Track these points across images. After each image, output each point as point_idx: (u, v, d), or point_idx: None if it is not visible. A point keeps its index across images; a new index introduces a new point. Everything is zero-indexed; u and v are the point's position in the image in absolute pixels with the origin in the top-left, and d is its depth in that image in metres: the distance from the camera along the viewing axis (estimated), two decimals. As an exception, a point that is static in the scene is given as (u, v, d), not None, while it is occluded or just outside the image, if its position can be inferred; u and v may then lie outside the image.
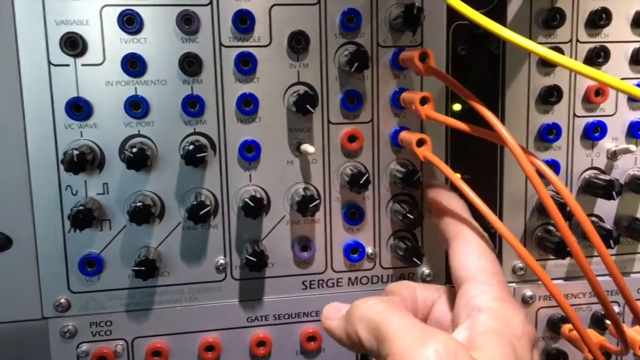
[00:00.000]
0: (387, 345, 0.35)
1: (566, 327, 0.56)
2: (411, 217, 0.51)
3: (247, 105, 0.51)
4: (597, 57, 0.55)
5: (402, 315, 0.37)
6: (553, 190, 0.49)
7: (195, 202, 0.49)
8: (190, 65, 0.49)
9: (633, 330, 0.51)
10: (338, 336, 0.42)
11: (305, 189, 0.52)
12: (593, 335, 0.54)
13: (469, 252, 0.43)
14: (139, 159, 0.47)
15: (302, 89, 0.51)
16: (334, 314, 0.43)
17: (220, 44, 0.50)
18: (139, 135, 0.50)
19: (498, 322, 0.37)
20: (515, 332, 0.36)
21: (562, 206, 0.48)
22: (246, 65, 0.50)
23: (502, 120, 0.55)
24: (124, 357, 0.53)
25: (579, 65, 0.38)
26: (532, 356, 0.37)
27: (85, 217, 0.47)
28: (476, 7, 0.52)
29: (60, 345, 0.52)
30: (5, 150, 0.49)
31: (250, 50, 0.50)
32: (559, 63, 0.38)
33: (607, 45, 0.55)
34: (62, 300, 0.51)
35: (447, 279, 0.56)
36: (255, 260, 0.50)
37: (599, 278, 0.41)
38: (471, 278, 0.40)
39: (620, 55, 0.56)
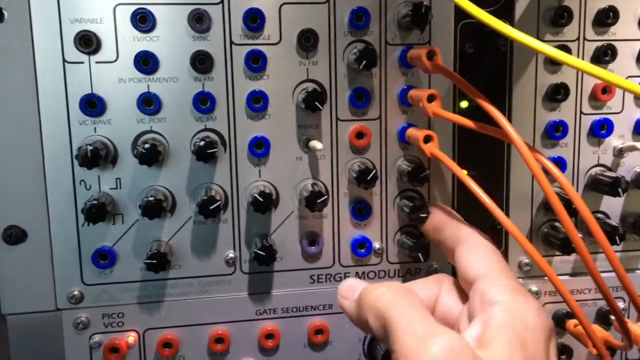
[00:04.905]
0: (393, 340, 0.36)
1: (571, 323, 0.57)
2: (419, 212, 0.52)
3: (257, 102, 0.52)
4: (604, 55, 0.55)
5: (409, 308, 0.37)
6: (559, 187, 0.49)
7: (205, 197, 0.50)
8: (201, 62, 0.50)
9: (637, 326, 0.52)
10: (350, 317, 0.43)
11: (313, 184, 0.53)
12: (598, 330, 0.55)
13: (475, 252, 0.43)
14: (151, 155, 0.48)
15: (311, 86, 0.52)
16: (349, 293, 0.43)
17: (231, 42, 0.51)
18: (151, 131, 0.51)
19: (510, 315, 0.36)
20: (527, 324, 0.36)
21: (568, 203, 0.48)
22: (256, 62, 0.51)
23: (509, 118, 0.56)
24: (135, 348, 0.54)
25: (584, 64, 0.39)
26: (547, 348, 0.36)
27: (99, 211, 0.49)
28: (484, 5, 0.53)
29: (73, 336, 0.53)
30: (21, 146, 0.50)
31: (260, 48, 0.51)
32: (564, 61, 0.39)
33: (614, 43, 0.55)
34: (76, 292, 0.52)
35: (453, 274, 0.56)
36: (264, 254, 0.51)
37: (604, 274, 0.41)
38: (482, 275, 0.40)
39: (627, 53, 0.56)
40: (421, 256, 0.53)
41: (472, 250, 0.43)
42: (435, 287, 0.45)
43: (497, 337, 0.35)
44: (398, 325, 0.36)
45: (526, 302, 0.37)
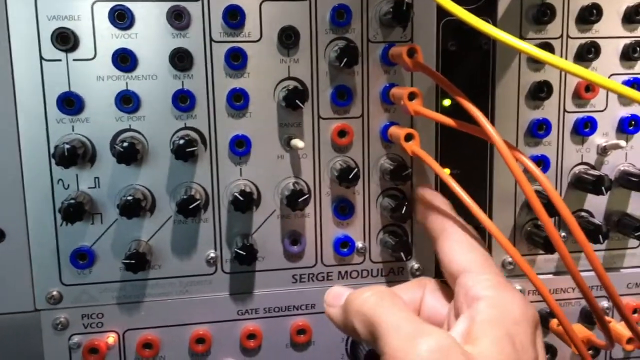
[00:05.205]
0: (381, 343, 0.36)
1: (554, 322, 0.56)
2: (400, 211, 0.52)
3: (238, 100, 0.51)
4: (588, 52, 0.55)
5: (394, 310, 0.37)
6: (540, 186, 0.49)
7: (185, 196, 0.49)
8: (180, 60, 0.49)
9: (620, 325, 0.52)
10: (337, 325, 0.43)
11: (295, 183, 0.52)
12: (580, 330, 0.55)
13: (458, 245, 0.43)
14: (130, 153, 0.47)
15: (292, 84, 0.51)
16: (335, 301, 0.43)
17: (211, 39, 0.50)
18: (129, 129, 0.50)
19: (495, 310, 0.36)
20: (513, 318, 0.36)
21: (550, 202, 0.48)
22: (236, 60, 0.50)
23: (492, 116, 0.55)
24: (115, 349, 0.54)
25: (565, 63, 0.39)
26: (534, 339, 0.37)
27: (77, 211, 0.48)
28: (467, 2, 0.53)
29: (52, 337, 0.52)
30: (-3, 144, 0.49)
31: (241, 45, 0.50)
32: (545, 60, 0.39)
33: (598, 41, 0.55)
34: (54, 293, 0.52)
35: (436, 273, 0.56)
36: (244, 253, 0.50)
37: (587, 273, 0.41)
38: (466, 269, 0.40)
39: (611, 50, 0.56)
40: (403, 255, 0.52)
41: (455, 242, 0.43)
42: (418, 290, 0.45)
43: (484, 333, 0.35)
44: (385, 328, 0.36)
45: (511, 296, 0.38)
